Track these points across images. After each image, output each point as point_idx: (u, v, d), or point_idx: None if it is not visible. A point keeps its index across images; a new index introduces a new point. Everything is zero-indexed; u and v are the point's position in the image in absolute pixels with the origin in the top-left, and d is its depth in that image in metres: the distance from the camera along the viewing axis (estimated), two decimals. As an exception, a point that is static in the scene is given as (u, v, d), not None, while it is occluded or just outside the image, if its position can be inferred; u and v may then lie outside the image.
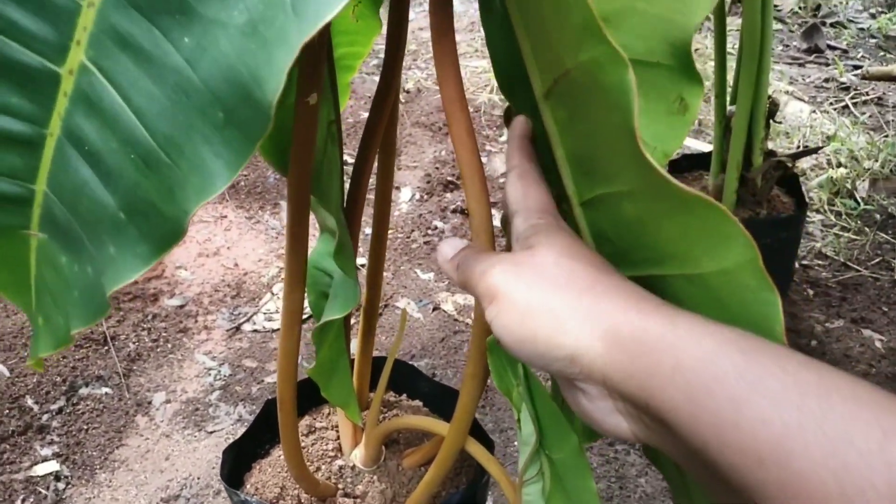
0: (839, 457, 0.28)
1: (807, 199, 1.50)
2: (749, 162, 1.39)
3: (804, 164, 1.99)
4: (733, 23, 2.59)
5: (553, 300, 0.37)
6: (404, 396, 0.94)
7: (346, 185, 0.70)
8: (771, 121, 1.39)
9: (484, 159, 1.97)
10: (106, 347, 1.38)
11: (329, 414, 0.90)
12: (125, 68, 0.38)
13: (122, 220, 0.39)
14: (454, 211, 1.84)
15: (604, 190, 0.38)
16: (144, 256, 0.39)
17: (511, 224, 0.43)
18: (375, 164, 0.74)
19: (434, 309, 1.53)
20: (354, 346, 0.83)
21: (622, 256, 0.40)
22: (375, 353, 0.87)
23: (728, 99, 1.43)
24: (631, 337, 0.35)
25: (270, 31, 0.34)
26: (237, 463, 0.83)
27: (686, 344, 0.33)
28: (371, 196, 0.72)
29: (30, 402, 1.26)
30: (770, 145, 1.60)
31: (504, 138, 2.19)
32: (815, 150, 1.71)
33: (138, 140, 0.39)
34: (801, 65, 2.74)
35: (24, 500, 1.10)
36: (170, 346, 1.41)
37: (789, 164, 1.41)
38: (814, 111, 2.31)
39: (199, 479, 1.14)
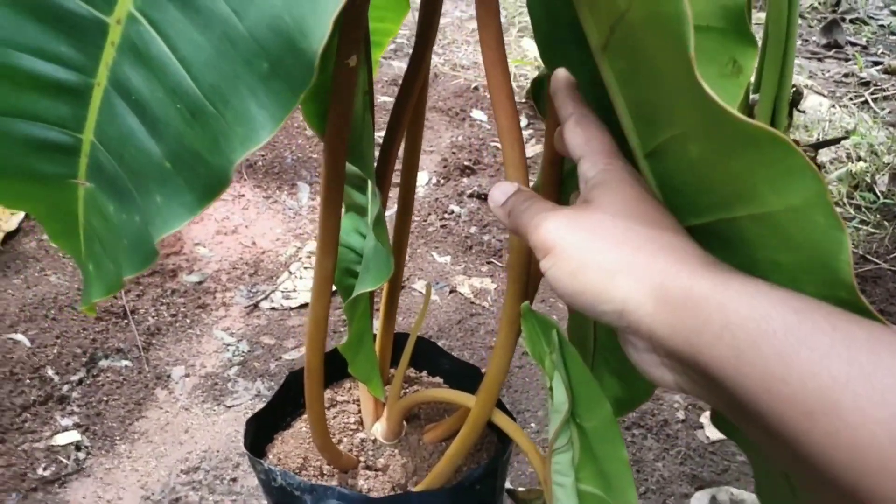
0: (889, 407, 0.28)
1: (828, 191, 1.49)
2: (771, 150, 1.38)
3: (824, 157, 1.98)
4: (754, 17, 2.57)
5: (606, 257, 0.37)
6: (425, 373, 0.94)
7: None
8: (794, 109, 1.38)
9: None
10: (126, 321, 1.39)
11: (350, 388, 0.90)
12: (173, 18, 0.38)
13: (167, 169, 0.40)
14: (471, 195, 1.84)
15: (667, 134, 0.38)
16: (190, 205, 0.39)
17: (578, 169, 0.43)
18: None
19: (451, 292, 1.53)
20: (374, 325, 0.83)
21: (690, 205, 0.40)
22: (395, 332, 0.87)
23: (751, 89, 1.43)
24: (679, 295, 0.35)
25: (317, -20, 0.35)
26: (259, 434, 0.83)
27: (736, 304, 0.33)
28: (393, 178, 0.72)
29: (50, 372, 1.27)
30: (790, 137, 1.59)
31: (523, 123, 2.19)
32: (838, 140, 1.70)
33: (185, 90, 0.39)
34: (820, 59, 2.71)
35: (45, 468, 1.11)
36: (188, 321, 1.42)
37: (811, 154, 1.40)
38: (833, 105, 2.29)
39: (218, 451, 1.15)
